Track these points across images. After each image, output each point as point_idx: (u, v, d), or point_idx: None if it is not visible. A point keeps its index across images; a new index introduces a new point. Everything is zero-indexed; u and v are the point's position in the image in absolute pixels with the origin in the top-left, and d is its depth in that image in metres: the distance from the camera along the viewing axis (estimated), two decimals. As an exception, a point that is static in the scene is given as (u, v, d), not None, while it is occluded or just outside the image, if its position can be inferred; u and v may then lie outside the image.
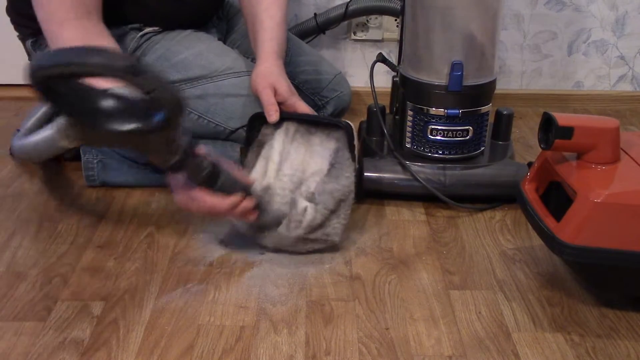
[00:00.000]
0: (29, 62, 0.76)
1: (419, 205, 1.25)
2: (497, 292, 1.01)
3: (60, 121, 0.81)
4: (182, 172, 0.91)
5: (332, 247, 1.09)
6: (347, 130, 1.09)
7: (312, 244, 1.07)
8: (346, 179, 1.08)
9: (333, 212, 1.06)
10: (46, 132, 1.04)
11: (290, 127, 1.11)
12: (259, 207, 1.00)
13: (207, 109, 1.24)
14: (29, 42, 1.28)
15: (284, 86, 1.12)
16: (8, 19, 1.29)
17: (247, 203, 0.98)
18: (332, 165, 1.08)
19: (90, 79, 0.75)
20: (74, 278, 1.03)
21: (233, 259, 1.07)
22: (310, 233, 1.04)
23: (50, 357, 0.87)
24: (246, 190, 0.99)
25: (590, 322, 0.94)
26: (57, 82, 0.75)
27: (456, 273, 1.05)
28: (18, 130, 1.28)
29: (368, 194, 1.26)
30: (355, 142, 1.10)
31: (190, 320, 0.94)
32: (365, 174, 1.24)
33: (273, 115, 1.10)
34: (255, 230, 1.06)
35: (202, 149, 0.94)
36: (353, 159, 1.09)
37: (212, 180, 0.94)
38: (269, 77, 1.13)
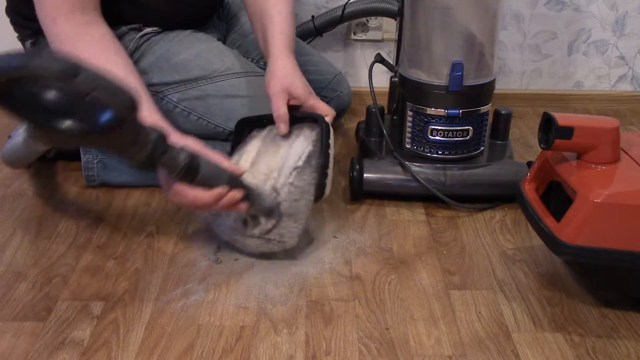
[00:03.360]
0: None
1: (419, 205, 1.25)
2: (497, 292, 1.01)
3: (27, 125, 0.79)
4: (157, 167, 0.87)
5: (286, 252, 1.06)
6: (323, 128, 1.05)
7: (266, 244, 1.04)
8: (303, 181, 1.02)
9: (290, 214, 1.02)
10: (20, 137, 1.04)
11: (274, 128, 1.09)
12: (248, 197, 0.97)
13: (207, 110, 1.24)
14: (28, 43, 1.28)
15: (300, 88, 1.07)
16: (8, 19, 1.29)
17: (233, 194, 0.94)
18: (304, 163, 1.03)
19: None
20: (74, 278, 1.03)
21: (233, 259, 1.07)
22: (265, 233, 1.02)
23: (50, 357, 0.87)
24: (233, 181, 0.95)
25: (590, 322, 0.94)
26: (6, 87, 0.74)
27: (456, 273, 1.05)
28: (9, 137, 1.29)
29: (368, 194, 1.26)
30: (331, 140, 1.05)
31: (190, 320, 0.94)
32: (365, 174, 1.24)
33: (282, 128, 1.06)
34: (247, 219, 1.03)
35: (181, 140, 0.91)
36: (322, 157, 1.03)
37: (191, 173, 0.89)
38: (284, 79, 1.07)
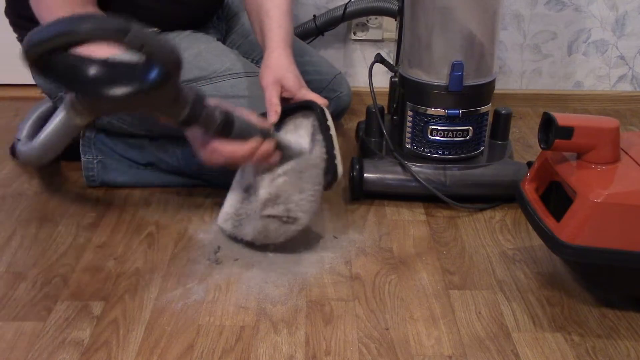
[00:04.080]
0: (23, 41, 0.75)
1: (419, 205, 1.25)
2: (497, 292, 1.01)
3: (67, 99, 0.81)
4: (196, 125, 0.90)
5: (304, 233, 1.06)
6: (317, 111, 1.06)
7: (280, 225, 1.04)
8: (311, 155, 1.04)
9: (295, 185, 1.02)
10: (58, 117, 1.04)
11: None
12: (279, 147, 1.00)
13: (207, 110, 1.24)
14: (28, 43, 1.28)
15: (291, 80, 1.09)
16: (7, 20, 1.29)
17: (267, 145, 0.97)
18: (310, 140, 1.05)
19: (84, 47, 0.75)
20: (74, 278, 1.03)
21: (233, 258, 1.07)
22: (269, 207, 1.02)
23: (50, 357, 0.87)
24: (264, 133, 0.98)
25: (590, 322, 0.94)
26: (52, 57, 0.75)
27: (456, 273, 1.05)
28: (19, 139, 1.28)
29: (368, 194, 1.26)
30: (329, 122, 1.06)
31: (190, 320, 0.94)
32: (365, 174, 1.24)
33: (272, 116, 1.08)
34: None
35: (212, 100, 0.94)
36: (325, 138, 1.05)
37: (227, 128, 0.93)
38: (277, 70, 1.10)
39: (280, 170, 1.03)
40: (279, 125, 1.09)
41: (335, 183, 1.07)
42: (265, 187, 1.03)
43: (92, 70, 0.76)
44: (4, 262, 1.07)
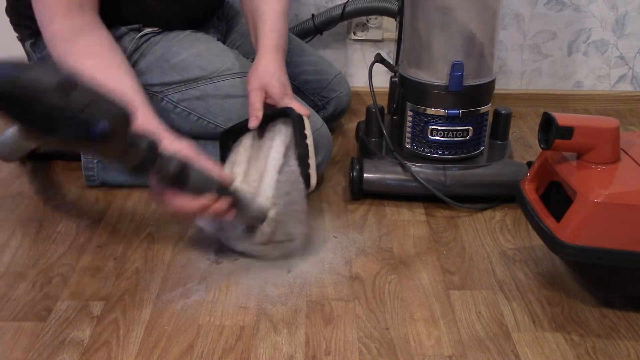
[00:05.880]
0: None
1: (419, 205, 1.25)
2: (497, 292, 1.01)
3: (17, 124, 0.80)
4: (147, 173, 0.88)
5: (298, 251, 1.07)
6: (295, 119, 1.05)
7: (280, 245, 1.04)
8: (288, 174, 1.02)
9: (287, 208, 1.02)
10: (10, 131, 1.04)
11: (258, 130, 1.10)
12: (237, 205, 0.96)
13: (207, 110, 1.24)
14: (27, 44, 1.28)
15: (276, 87, 1.09)
16: (7, 19, 1.29)
17: (221, 204, 0.93)
18: (284, 157, 1.04)
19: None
20: (74, 278, 1.03)
21: (233, 259, 1.07)
22: (271, 237, 1.02)
23: (50, 357, 0.87)
24: (221, 190, 0.94)
25: (590, 322, 0.94)
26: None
27: (456, 273, 1.05)
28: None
29: (368, 194, 1.26)
30: (307, 131, 1.05)
31: (190, 320, 0.94)
32: (365, 174, 1.24)
33: (252, 122, 1.08)
34: (232, 231, 1.04)
35: (175, 144, 0.92)
36: (300, 146, 1.04)
37: (180, 180, 0.89)
38: (262, 76, 1.10)
39: (269, 203, 1.00)
40: (260, 130, 1.10)
41: (308, 191, 1.06)
42: (266, 223, 1.00)
43: (40, 109, 0.74)
44: (4, 262, 1.07)
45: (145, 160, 0.84)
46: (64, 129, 0.74)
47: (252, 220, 1.01)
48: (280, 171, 1.02)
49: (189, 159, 0.90)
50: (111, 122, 0.75)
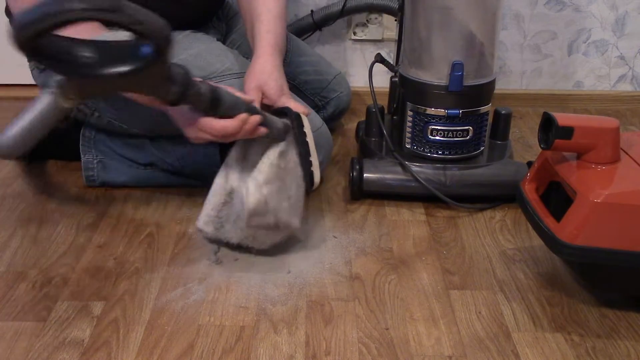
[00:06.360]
0: (10, 26, 0.74)
1: (419, 205, 1.25)
2: (497, 292, 1.01)
3: (56, 82, 0.80)
4: (185, 103, 0.90)
5: (304, 233, 1.08)
6: (293, 118, 1.06)
7: (271, 235, 1.04)
8: (288, 163, 1.04)
9: (280, 193, 1.02)
10: (43, 100, 1.03)
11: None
12: (265, 122, 1.00)
13: (207, 110, 1.24)
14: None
15: (273, 88, 1.09)
16: (7, 20, 1.29)
17: (255, 117, 0.98)
18: (282, 151, 1.04)
19: (72, 29, 0.75)
20: (74, 278, 1.03)
21: (233, 258, 1.07)
22: (257, 217, 1.01)
23: (50, 357, 0.87)
24: (250, 108, 0.98)
25: (590, 322, 0.94)
26: (42, 40, 0.75)
27: (456, 273, 1.05)
28: None
29: (368, 194, 1.26)
30: (306, 129, 1.06)
31: (190, 320, 0.94)
32: (365, 174, 1.24)
33: None
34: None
35: (198, 77, 0.94)
36: (301, 144, 1.04)
37: (216, 104, 0.93)
38: (259, 77, 1.10)
39: (261, 178, 1.01)
40: None
41: (313, 189, 1.07)
42: (252, 195, 1.00)
43: (84, 52, 0.75)
44: (4, 262, 1.07)
45: (184, 89, 0.86)
46: (113, 60, 0.75)
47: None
48: (279, 157, 1.02)
49: (215, 85, 0.94)
50: (157, 39, 0.76)
